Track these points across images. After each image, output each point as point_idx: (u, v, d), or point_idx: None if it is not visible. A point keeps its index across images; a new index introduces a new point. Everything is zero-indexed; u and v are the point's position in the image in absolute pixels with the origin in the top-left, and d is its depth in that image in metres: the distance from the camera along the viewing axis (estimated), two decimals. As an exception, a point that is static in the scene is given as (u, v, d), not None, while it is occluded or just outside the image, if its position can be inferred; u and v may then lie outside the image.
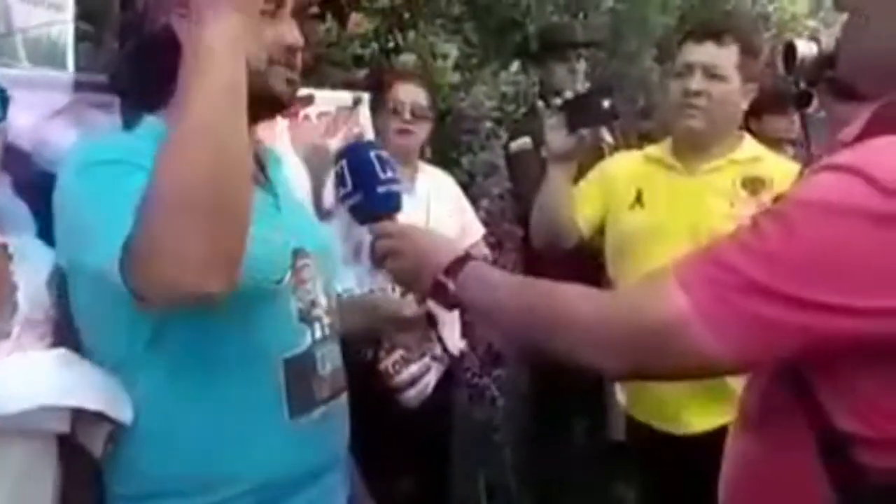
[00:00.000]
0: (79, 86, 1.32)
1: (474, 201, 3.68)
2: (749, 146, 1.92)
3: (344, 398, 1.19)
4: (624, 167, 1.98)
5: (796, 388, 0.82)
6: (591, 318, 0.85)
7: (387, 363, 2.21)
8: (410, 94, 2.36)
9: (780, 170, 1.85)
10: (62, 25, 1.43)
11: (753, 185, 1.84)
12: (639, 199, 1.89)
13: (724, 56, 1.81)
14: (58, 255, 1.04)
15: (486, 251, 2.58)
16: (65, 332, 1.04)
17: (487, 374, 3.30)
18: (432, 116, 2.44)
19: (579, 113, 1.65)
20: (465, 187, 3.64)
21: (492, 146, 3.58)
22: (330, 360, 1.15)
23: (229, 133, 0.85)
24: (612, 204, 1.93)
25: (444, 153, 3.49)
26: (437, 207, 2.47)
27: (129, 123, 1.16)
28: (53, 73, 1.41)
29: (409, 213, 2.35)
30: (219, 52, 0.85)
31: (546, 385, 2.68)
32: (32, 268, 1.02)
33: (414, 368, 2.26)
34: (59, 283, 1.06)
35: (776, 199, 0.84)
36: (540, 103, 1.84)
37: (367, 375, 2.17)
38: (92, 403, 0.97)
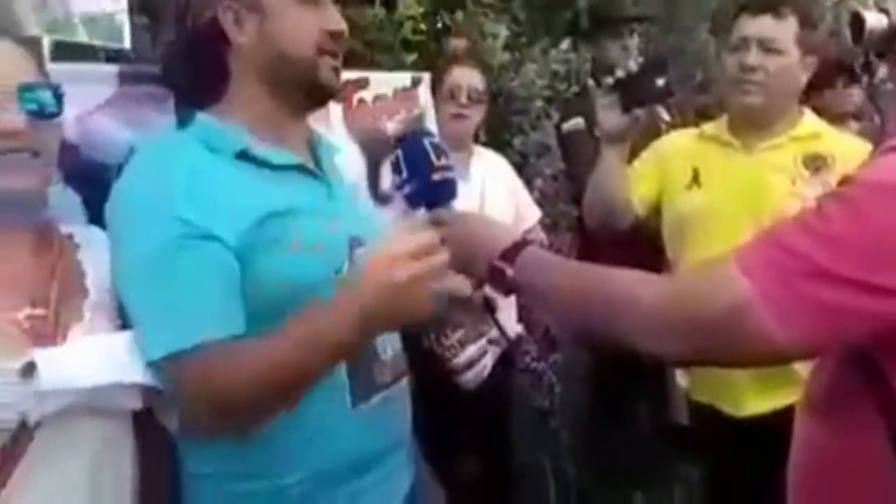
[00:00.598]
0: (124, 78, 1.36)
1: (527, 182, 3.65)
2: (810, 122, 1.86)
3: (405, 382, 1.21)
4: (679, 146, 1.94)
5: (865, 373, 0.80)
6: (653, 304, 0.84)
7: (444, 346, 2.23)
8: (466, 77, 2.33)
9: (843, 147, 1.79)
10: (120, 14, 1.47)
11: (815, 162, 1.79)
12: (695, 178, 1.85)
13: (782, 29, 1.75)
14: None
15: (542, 235, 2.56)
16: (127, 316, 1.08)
17: (545, 358, 3.30)
18: (487, 99, 2.42)
19: (632, 92, 1.61)
20: (518, 168, 3.62)
21: (543, 126, 3.54)
22: (391, 345, 1.16)
23: (310, 379, 0.99)
24: (668, 184, 1.90)
25: (495, 134, 3.47)
26: (492, 191, 2.46)
27: (182, 121, 1.19)
28: (98, 66, 1.44)
29: (464, 198, 2.35)
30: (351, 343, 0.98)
31: (605, 369, 2.66)
32: (97, 255, 1.06)
33: (471, 351, 2.27)
34: None
35: (842, 181, 0.82)
36: (591, 82, 1.80)
37: (427, 360, 2.21)
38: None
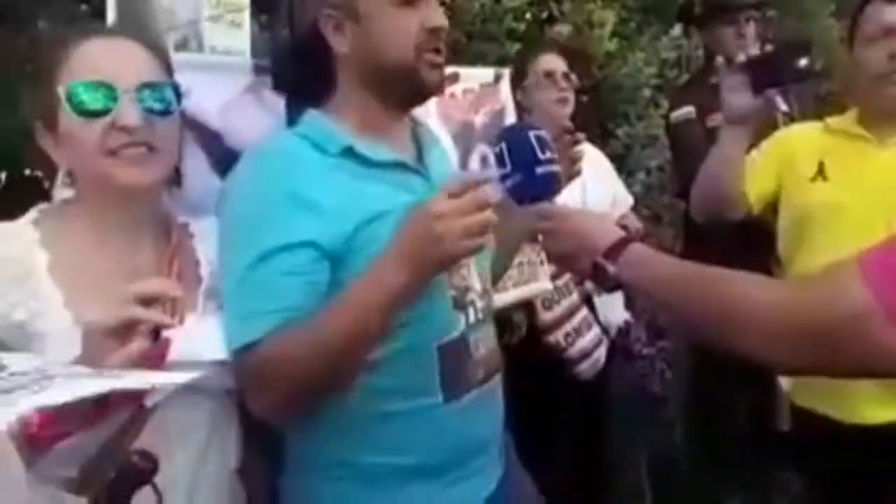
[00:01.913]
0: (258, 69, 1.40)
1: (631, 174, 3.58)
2: None
3: (498, 379, 1.20)
4: (803, 138, 1.82)
5: None
6: (768, 309, 0.80)
7: (557, 336, 2.22)
8: (554, 62, 2.35)
9: None
10: (241, 13, 1.54)
11: None
12: (821, 171, 1.74)
13: None
14: None
15: (637, 223, 2.50)
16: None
17: (653, 345, 3.22)
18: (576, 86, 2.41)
19: (767, 72, 1.51)
20: (622, 159, 3.55)
21: (650, 115, 3.44)
22: (483, 343, 1.16)
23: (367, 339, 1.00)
24: (790, 178, 1.79)
25: (600, 124, 3.40)
26: (592, 178, 2.44)
27: (292, 119, 1.22)
28: (233, 58, 1.50)
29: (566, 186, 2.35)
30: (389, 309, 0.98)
31: (707, 362, 2.57)
32: (211, 245, 1.11)
33: (586, 341, 2.27)
34: None
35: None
36: (720, 59, 1.69)
37: (544, 352, 2.22)
38: None
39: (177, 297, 0.92)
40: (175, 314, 0.94)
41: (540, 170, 1.10)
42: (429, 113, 1.90)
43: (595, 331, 2.30)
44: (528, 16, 2.99)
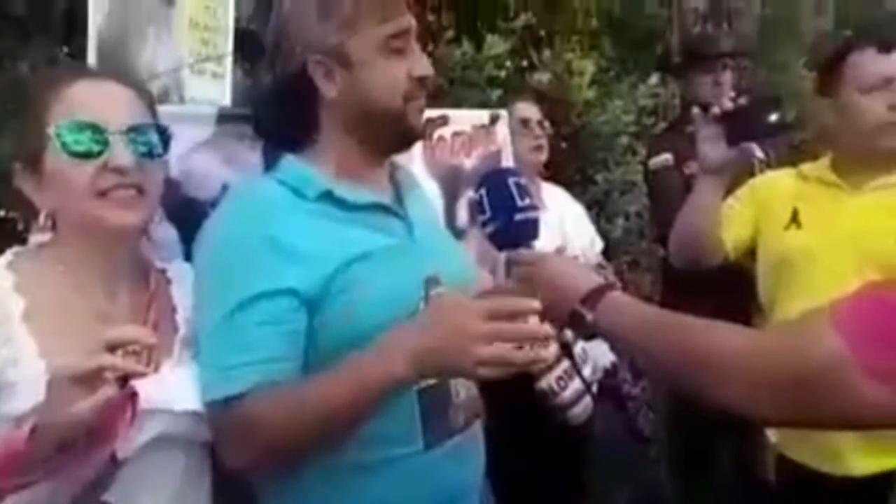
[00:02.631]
0: (222, 119, 1.41)
1: (609, 219, 3.62)
2: None
3: (478, 424, 1.19)
4: (777, 185, 1.86)
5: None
6: (741, 358, 0.80)
7: (549, 380, 2.21)
8: (529, 110, 2.40)
9: None
10: (223, 64, 1.56)
11: None
12: (795, 218, 1.77)
13: None
14: None
15: (606, 266, 2.50)
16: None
17: (637, 384, 3.21)
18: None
19: (740, 125, 1.55)
20: (601, 204, 3.59)
21: (628, 162, 3.49)
22: (464, 387, 1.15)
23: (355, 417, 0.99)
24: (766, 224, 1.82)
25: (579, 170, 3.45)
26: (571, 220, 2.48)
27: (269, 164, 1.22)
28: (198, 107, 1.51)
29: (546, 228, 2.36)
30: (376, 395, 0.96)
31: (685, 409, 2.56)
32: (188, 291, 1.10)
33: (577, 384, 2.25)
34: None
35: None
36: (696, 110, 1.73)
37: (535, 398, 2.20)
38: None
39: (152, 345, 0.90)
40: (150, 362, 0.93)
41: (519, 216, 1.11)
42: (413, 157, 1.91)
43: (586, 372, 2.29)
44: (508, 63, 3.04)
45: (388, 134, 1.13)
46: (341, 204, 1.09)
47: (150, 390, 0.92)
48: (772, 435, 1.80)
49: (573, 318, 1.01)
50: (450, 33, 2.88)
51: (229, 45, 1.57)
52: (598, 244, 2.63)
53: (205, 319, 1.03)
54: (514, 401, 2.23)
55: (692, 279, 1.92)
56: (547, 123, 2.43)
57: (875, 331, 0.72)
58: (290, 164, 1.13)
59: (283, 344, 1.00)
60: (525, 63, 3.21)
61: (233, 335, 1.00)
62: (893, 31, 1.72)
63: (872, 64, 1.68)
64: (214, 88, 1.55)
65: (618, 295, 1.00)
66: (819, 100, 1.81)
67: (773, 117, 1.51)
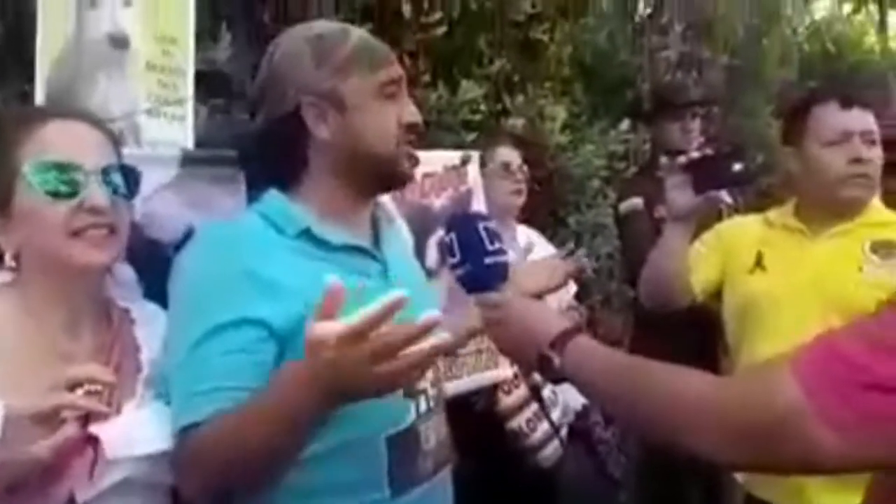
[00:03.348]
0: (186, 161, 1.41)
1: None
2: (877, 209, 1.81)
3: (447, 471, 1.18)
4: (743, 230, 1.90)
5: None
6: (704, 406, 0.81)
7: (519, 421, 2.20)
8: (511, 155, 2.43)
9: None
10: (182, 106, 1.55)
11: (886, 248, 1.73)
12: (759, 262, 1.81)
13: (872, 119, 1.74)
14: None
15: (575, 304, 2.51)
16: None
17: (608, 428, 3.20)
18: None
19: (706, 174, 1.60)
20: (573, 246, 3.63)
21: (599, 204, 3.54)
22: (434, 433, 1.14)
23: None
24: (731, 268, 1.85)
25: (550, 213, 3.49)
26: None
27: (252, 197, 1.23)
28: (163, 150, 1.50)
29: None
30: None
31: (655, 452, 2.56)
32: (151, 331, 1.09)
33: (547, 426, 2.24)
34: None
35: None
36: (664, 159, 1.78)
37: (506, 440, 2.19)
38: None
39: (113, 385, 0.89)
40: (111, 402, 0.91)
41: (488, 260, 1.12)
42: (381, 198, 1.92)
43: (555, 414, 2.29)
44: (483, 108, 3.09)
45: (377, 177, 1.14)
46: (320, 243, 1.09)
47: (112, 436, 0.90)
48: (739, 476, 1.80)
49: (541, 362, 1.01)
50: (426, 78, 2.92)
51: (189, 88, 1.57)
52: (572, 286, 2.65)
53: (174, 349, 1.02)
54: (484, 444, 2.23)
55: (662, 319, 1.94)
56: (526, 168, 2.47)
57: (827, 379, 0.73)
58: (273, 198, 1.13)
59: (248, 373, 0.98)
60: (499, 107, 3.26)
61: (198, 365, 0.98)
62: (853, 87, 1.79)
63: (833, 118, 1.74)
64: (175, 131, 1.55)
65: (585, 340, 1.00)
66: (784, 148, 1.86)
67: (738, 167, 1.56)
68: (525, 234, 2.55)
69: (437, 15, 2.87)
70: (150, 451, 0.97)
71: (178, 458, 0.98)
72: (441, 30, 2.90)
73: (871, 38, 6.53)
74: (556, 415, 2.31)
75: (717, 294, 1.89)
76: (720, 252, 1.87)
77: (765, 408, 0.76)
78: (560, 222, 3.47)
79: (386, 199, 1.93)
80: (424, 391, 1.13)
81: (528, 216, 2.82)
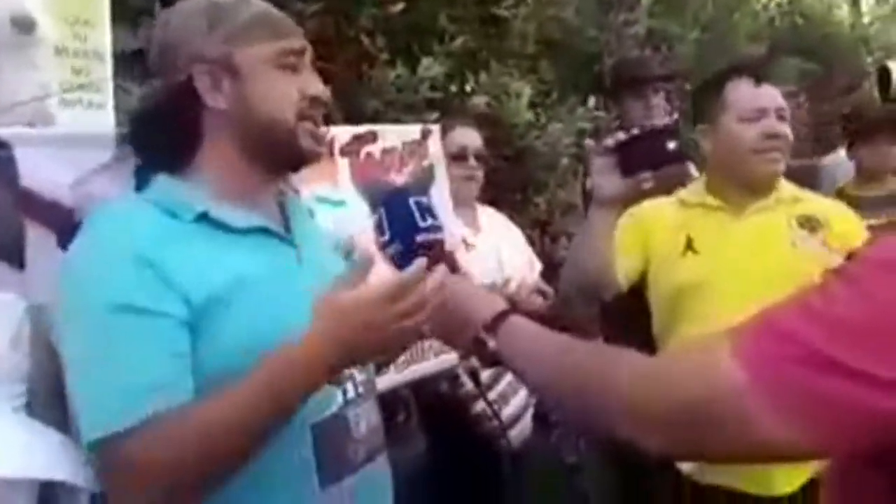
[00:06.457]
0: (123, 140, 1.32)
1: (553, 240, 3.60)
2: (785, 185, 1.83)
3: (383, 459, 1.13)
4: (660, 213, 1.84)
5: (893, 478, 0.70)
6: (632, 386, 0.76)
7: (484, 406, 2.16)
8: (468, 137, 2.36)
9: (826, 207, 1.80)
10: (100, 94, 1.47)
11: (810, 223, 1.73)
12: (690, 246, 1.76)
13: (781, 97, 1.77)
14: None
15: (547, 287, 2.45)
16: (40, 395, 1.02)
17: None
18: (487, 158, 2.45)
19: (636, 155, 1.51)
20: (544, 225, 3.57)
21: (569, 183, 3.49)
22: (365, 420, 1.09)
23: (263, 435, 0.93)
24: (657, 255, 1.79)
25: (521, 192, 3.43)
26: (506, 243, 2.45)
27: (140, 184, 1.16)
28: (95, 130, 1.43)
29: (482, 250, 2.32)
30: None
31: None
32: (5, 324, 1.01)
33: (513, 407, 2.22)
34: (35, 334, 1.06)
35: (849, 256, 0.73)
36: (589, 142, 1.73)
37: (475, 420, 2.15)
38: (59, 473, 0.93)
39: None
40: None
41: (420, 237, 1.07)
42: (341, 176, 1.85)
43: (521, 394, 2.25)
44: (445, 86, 3.02)
45: (277, 152, 1.08)
46: (220, 226, 1.03)
47: None
48: (685, 466, 1.73)
49: (476, 344, 0.96)
50: (384, 56, 2.84)
51: (108, 72, 1.49)
52: (537, 266, 2.61)
53: (73, 357, 0.95)
54: (450, 427, 2.20)
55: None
56: (485, 151, 2.40)
57: (771, 359, 0.68)
58: (162, 184, 1.06)
59: (165, 363, 0.92)
60: (462, 86, 3.19)
61: (107, 366, 0.91)
62: (767, 66, 1.80)
63: (749, 95, 1.75)
64: (92, 119, 1.47)
65: (519, 320, 0.95)
66: (697, 126, 1.85)
67: (672, 145, 1.49)
68: (487, 216, 2.50)
69: (396, -11, 2.79)
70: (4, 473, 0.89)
71: (110, 475, 0.91)
72: (400, 6, 2.82)
73: (842, 11, 6.52)
74: (521, 395, 2.27)
75: (640, 283, 1.82)
76: (642, 238, 1.81)
77: (698, 386, 0.71)
78: (529, 202, 3.41)
79: (345, 179, 1.88)
80: (352, 376, 1.08)
81: (496, 196, 2.77)
